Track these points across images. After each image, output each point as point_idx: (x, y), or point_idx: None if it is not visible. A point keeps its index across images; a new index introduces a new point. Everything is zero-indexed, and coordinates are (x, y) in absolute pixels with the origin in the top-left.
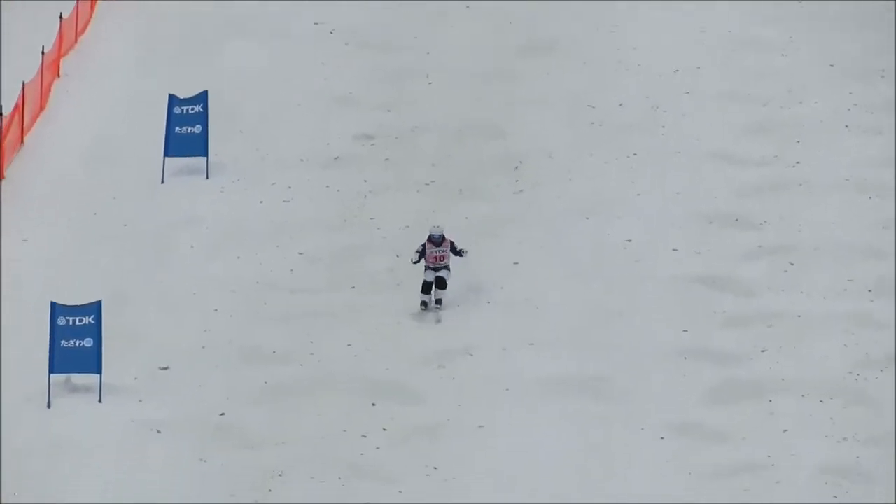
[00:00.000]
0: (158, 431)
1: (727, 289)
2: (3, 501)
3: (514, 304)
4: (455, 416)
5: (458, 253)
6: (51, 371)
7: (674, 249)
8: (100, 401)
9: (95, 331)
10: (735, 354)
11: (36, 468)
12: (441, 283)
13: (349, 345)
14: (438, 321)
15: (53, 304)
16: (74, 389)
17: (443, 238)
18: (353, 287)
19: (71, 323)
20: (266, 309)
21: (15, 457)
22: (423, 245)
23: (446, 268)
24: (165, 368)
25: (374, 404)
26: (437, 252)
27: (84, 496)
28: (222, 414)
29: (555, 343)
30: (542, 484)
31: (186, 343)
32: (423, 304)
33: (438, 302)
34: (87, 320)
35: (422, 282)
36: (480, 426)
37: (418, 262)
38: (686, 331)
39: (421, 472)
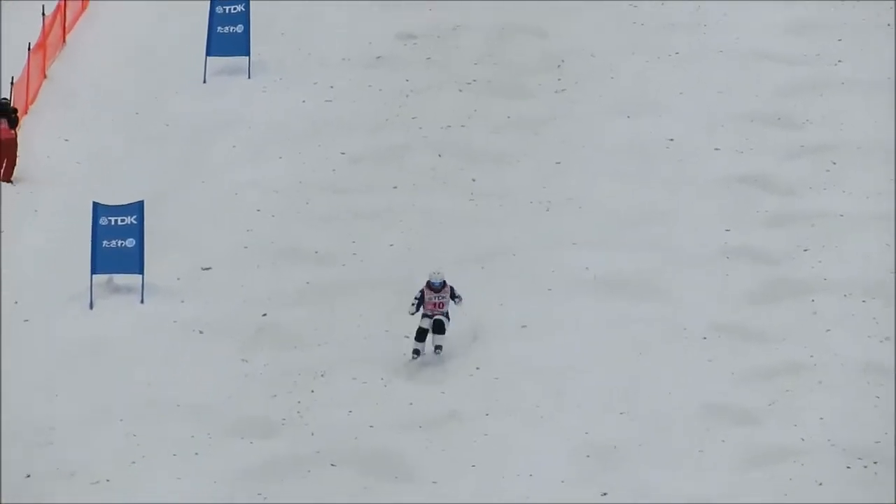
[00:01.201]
0: (200, 332)
1: (769, 188)
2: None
3: (555, 203)
4: (497, 316)
5: (454, 297)
6: (93, 272)
7: (716, 149)
8: (142, 301)
9: (137, 231)
10: (777, 254)
11: (79, 368)
12: (439, 328)
13: (391, 245)
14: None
15: (95, 204)
16: (116, 290)
17: (443, 284)
18: (395, 187)
19: (113, 223)
20: (308, 209)
21: (58, 356)
22: (422, 291)
23: (445, 314)
24: (208, 269)
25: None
26: (436, 298)
27: (126, 396)
28: (264, 314)
29: (597, 243)
30: (585, 383)
31: (228, 243)
32: (416, 352)
33: (438, 349)
34: (129, 220)
35: (416, 328)
36: (523, 326)
37: (416, 312)
38: (728, 230)
39: (464, 373)
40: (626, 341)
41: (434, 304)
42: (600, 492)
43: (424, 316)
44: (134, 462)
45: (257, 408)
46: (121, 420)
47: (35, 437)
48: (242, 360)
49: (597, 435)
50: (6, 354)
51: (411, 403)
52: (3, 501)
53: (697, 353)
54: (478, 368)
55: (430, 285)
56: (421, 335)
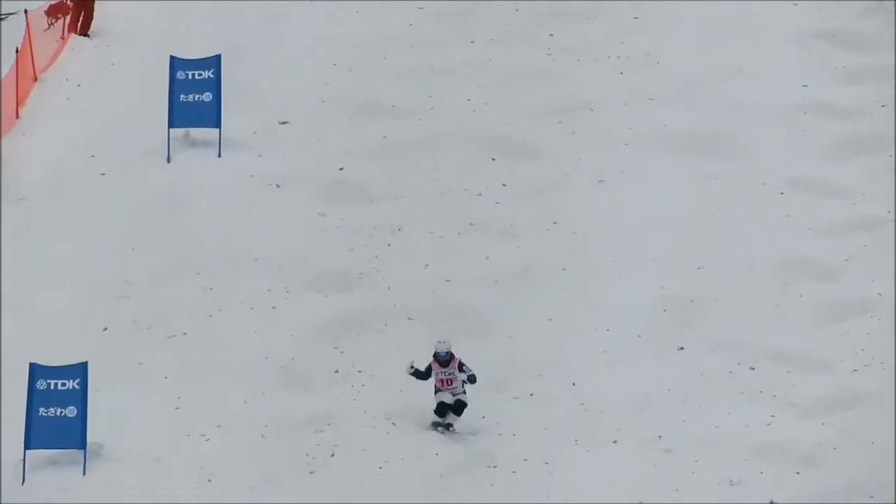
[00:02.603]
0: (277, 186)
1: (847, 44)
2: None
3: (634, 59)
4: (575, 171)
5: (470, 378)
6: (170, 125)
7: (794, 4)
8: (219, 155)
9: (214, 85)
10: (855, 109)
11: (156, 222)
12: (459, 408)
13: (468, 99)
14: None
15: (172, 59)
16: (193, 144)
17: (450, 356)
18: (472, 42)
19: (190, 77)
20: (385, 63)
21: (135, 210)
22: (428, 366)
23: (462, 393)
24: (285, 123)
25: (493, 159)
26: (444, 374)
27: (203, 250)
28: (341, 168)
29: (674, 99)
30: (661, 238)
31: (306, 97)
32: (435, 424)
33: (449, 426)
34: (206, 74)
35: (436, 403)
36: (600, 181)
37: (415, 375)
38: (806, 86)
39: (540, 227)
40: (703, 196)
41: (442, 381)
42: (676, 346)
43: (439, 391)
44: (211, 315)
45: (334, 262)
46: (198, 273)
47: (112, 290)
48: (319, 214)
49: (673, 289)
50: (86, 208)
51: (488, 257)
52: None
53: (775, 208)
54: (555, 223)
55: (436, 357)
56: (441, 410)
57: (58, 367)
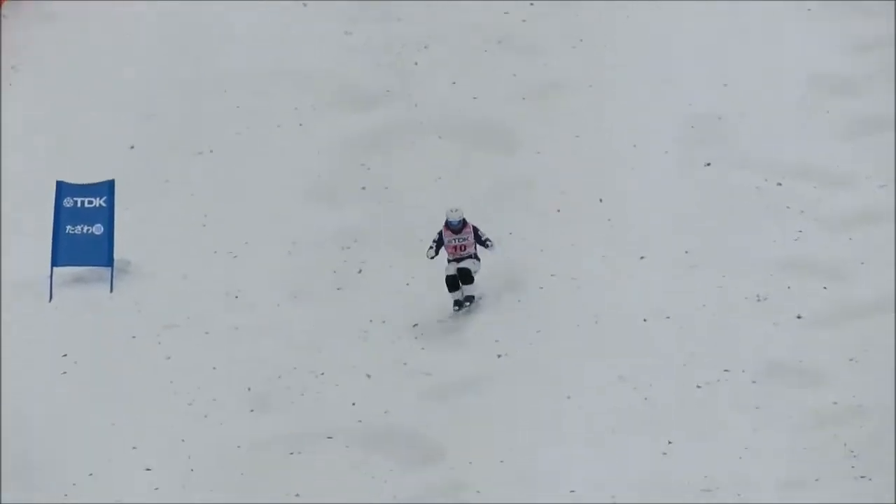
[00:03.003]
0: (304, 4)
1: None
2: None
3: None
4: None
5: (483, 243)
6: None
7: None
8: None
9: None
10: None
11: (184, 40)
12: (466, 276)
13: None
14: None
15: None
16: None
17: (462, 223)
18: None
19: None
20: None
21: (163, 27)
22: (440, 233)
23: (471, 257)
24: None
25: None
26: (456, 241)
27: (232, 67)
28: None
29: None
30: (688, 55)
31: None
32: (457, 303)
33: (469, 300)
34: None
35: (445, 277)
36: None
37: (436, 255)
38: None
39: (567, 44)
40: (731, 13)
41: (455, 247)
42: (704, 162)
43: (449, 261)
44: (238, 133)
45: (361, 80)
46: (225, 91)
47: (139, 108)
48: (346, 32)
49: (700, 106)
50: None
51: (514, 74)
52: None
53: (801, 24)
54: (581, 40)
55: (447, 225)
56: (452, 284)
57: (85, 184)
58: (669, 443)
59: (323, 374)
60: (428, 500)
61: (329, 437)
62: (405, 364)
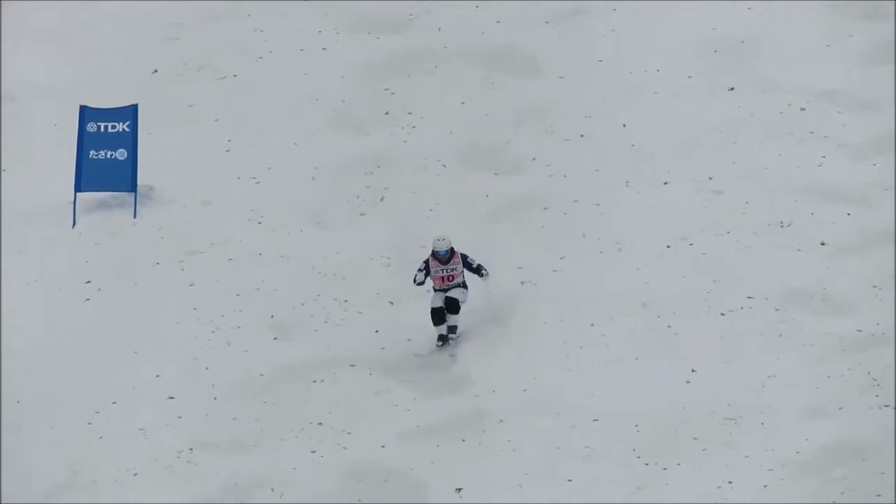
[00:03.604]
0: None
1: None
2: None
3: None
4: None
5: (476, 271)
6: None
7: None
8: None
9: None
10: None
11: None
12: (453, 306)
13: None
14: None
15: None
16: None
17: (451, 253)
18: None
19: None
20: None
21: None
22: (426, 262)
23: (459, 286)
24: None
25: None
26: (443, 271)
27: None
28: None
29: None
30: None
31: None
32: (441, 338)
33: (452, 330)
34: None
35: (430, 310)
36: None
37: (423, 282)
38: None
39: None
40: None
41: (442, 277)
42: (727, 87)
43: (436, 290)
44: (261, 57)
45: (384, 4)
46: (248, 15)
47: (162, 32)
48: None
49: (724, 29)
50: None
51: None
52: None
53: None
54: None
55: (434, 255)
56: (436, 317)
57: (108, 109)
58: (693, 371)
59: (346, 301)
60: (451, 428)
61: (352, 365)
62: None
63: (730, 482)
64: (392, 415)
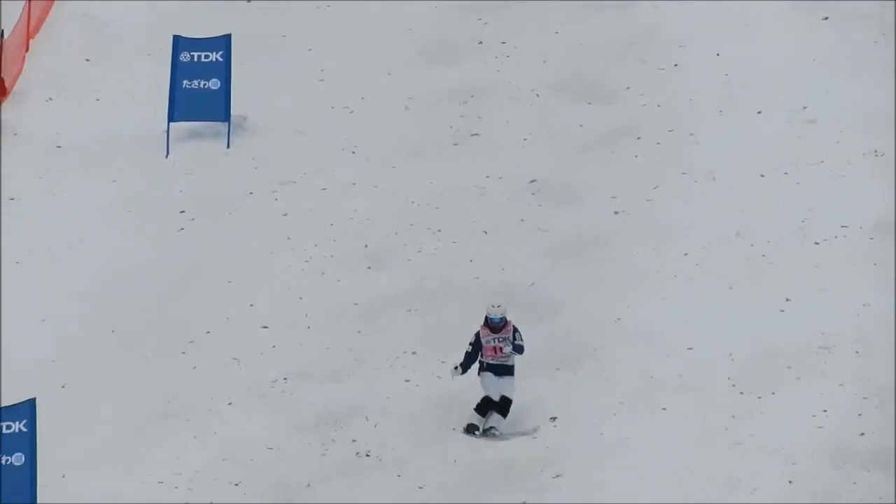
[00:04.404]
0: None
1: None
2: None
3: None
4: None
5: (516, 348)
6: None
7: None
8: None
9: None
10: None
11: None
12: (503, 407)
13: None
14: None
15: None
16: None
17: (504, 322)
18: None
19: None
20: None
21: None
22: (476, 335)
23: (510, 371)
24: None
25: None
26: (495, 342)
27: None
28: None
29: None
30: None
31: None
32: (472, 428)
33: (490, 431)
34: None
35: (481, 398)
36: None
37: (464, 372)
38: None
39: None
40: None
41: (494, 348)
42: (822, 16)
43: (483, 370)
44: None
45: None
46: None
47: None
48: None
49: None
50: None
51: None
52: None
53: None
54: None
55: (487, 323)
56: (483, 407)
57: (201, 38)
58: (787, 300)
59: (440, 230)
60: (544, 358)
61: (446, 294)
62: (522, 220)
63: (824, 410)
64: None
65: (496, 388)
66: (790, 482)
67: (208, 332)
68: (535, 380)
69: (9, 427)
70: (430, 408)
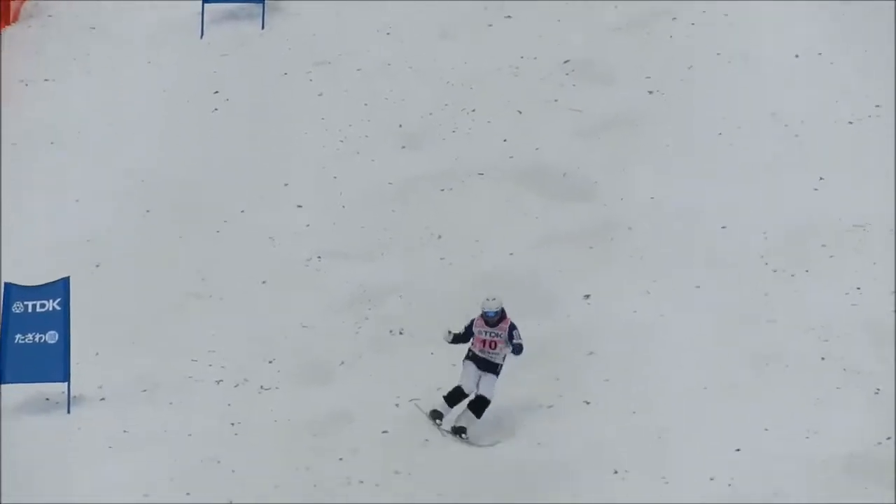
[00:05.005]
0: None
1: None
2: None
3: None
4: None
5: (515, 347)
6: None
7: None
8: None
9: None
10: None
11: None
12: (479, 406)
13: None
14: None
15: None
16: None
17: (500, 316)
18: None
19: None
20: None
21: None
22: (472, 321)
23: (494, 370)
24: None
25: None
26: (488, 335)
27: None
28: None
29: None
30: None
31: None
32: (436, 414)
33: (460, 431)
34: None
35: (454, 387)
36: None
37: (454, 341)
38: None
39: None
40: None
41: (484, 341)
42: None
43: (468, 359)
44: None
45: None
46: None
47: None
48: None
49: None
50: None
51: None
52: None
53: None
54: None
55: (483, 316)
56: (454, 396)
57: None
58: (821, 179)
59: (474, 110)
60: (579, 236)
61: (480, 174)
62: (556, 101)
63: (858, 288)
64: (520, 223)
65: (473, 380)
66: (822, 359)
67: (242, 212)
68: (567, 259)
69: (43, 305)
70: (462, 286)
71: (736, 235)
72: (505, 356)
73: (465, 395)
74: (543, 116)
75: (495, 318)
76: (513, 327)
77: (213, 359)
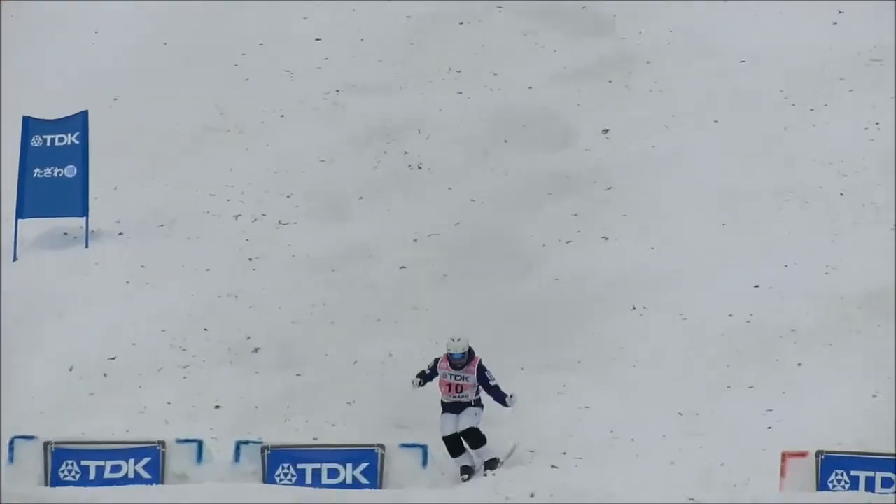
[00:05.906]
0: None
1: None
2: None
3: None
4: None
5: (497, 395)
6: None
7: None
8: None
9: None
10: None
11: None
12: (477, 439)
13: None
14: None
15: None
16: None
17: (468, 358)
18: None
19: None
20: None
21: None
22: (436, 361)
23: (470, 404)
24: None
25: None
26: (452, 378)
27: None
28: None
29: None
30: None
31: None
32: (465, 470)
33: (492, 465)
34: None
35: (444, 439)
36: None
37: (422, 384)
38: None
39: None
40: None
41: (450, 385)
42: None
43: (444, 410)
44: None
45: None
46: None
47: None
48: None
49: None
50: None
51: None
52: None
53: None
54: None
55: (448, 358)
56: (454, 447)
57: None
58: (840, 12)
59: None
60: (597, 70)
61: (499, 7)
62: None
63: (876, 123)
64: (539, 57)
65: (455, 425)
66: (841, 194)
67: (261, 45)
68: (586, 91)
69: (61, 139)
70: (481, 120)
71: (755, 68)
72: (477, 392)
73: (457, 440)
74: None
75: (462, 361)
76: (483, 369)
77: (231, 193)
